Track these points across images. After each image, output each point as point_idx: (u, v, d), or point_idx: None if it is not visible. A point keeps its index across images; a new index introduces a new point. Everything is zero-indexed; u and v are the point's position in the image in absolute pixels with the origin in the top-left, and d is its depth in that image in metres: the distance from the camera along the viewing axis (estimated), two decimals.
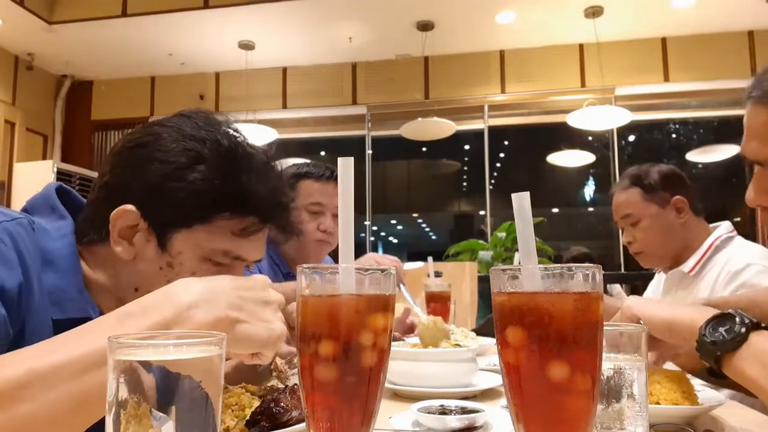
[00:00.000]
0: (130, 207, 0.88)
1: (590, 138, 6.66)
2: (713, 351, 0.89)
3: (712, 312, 0.93)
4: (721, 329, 0.89)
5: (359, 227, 7.01)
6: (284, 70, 6.85)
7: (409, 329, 2.07)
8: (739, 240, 1.92)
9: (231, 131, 0.95)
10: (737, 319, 0.88)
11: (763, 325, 0.89)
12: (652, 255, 2.03)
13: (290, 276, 1.95)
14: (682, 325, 0.97)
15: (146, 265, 0.90)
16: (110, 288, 0.93)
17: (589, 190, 8.05)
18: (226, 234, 0.90)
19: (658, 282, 2.17)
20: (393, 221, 12.55)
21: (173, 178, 0.88)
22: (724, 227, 1.96)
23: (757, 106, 1.02)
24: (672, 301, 1.95)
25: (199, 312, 0.69)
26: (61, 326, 0.84)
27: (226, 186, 0.89)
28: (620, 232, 2.13)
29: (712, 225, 2.01)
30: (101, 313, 0.91)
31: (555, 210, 8.55)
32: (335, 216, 1.99)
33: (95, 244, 0.93)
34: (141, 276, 0.91)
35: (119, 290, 0.93)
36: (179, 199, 0.88)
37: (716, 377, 0.97)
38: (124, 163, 0.93)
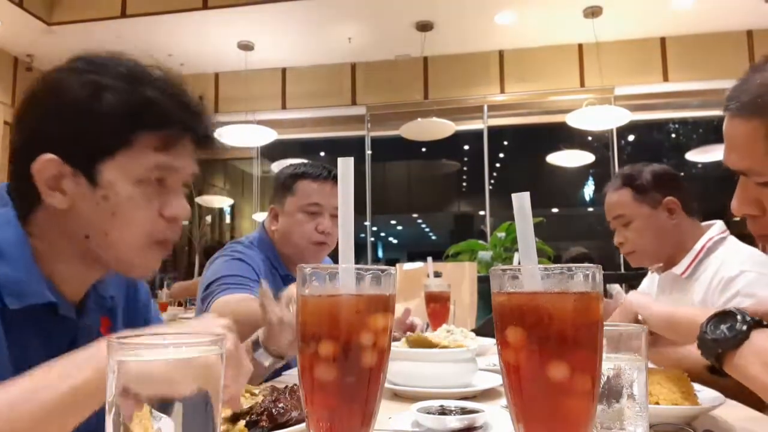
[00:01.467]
0: (49, 156, 0.87)
1: (590, 138, 6.67)
2: (714, 348, 0.89)
3: (714, 310, 0.94)
4: (723, 327, 0.89)
5: (359, 228, 7.01)
6: (283, 70, 6.86)
7: (409, 330, 2.07)
8: (732, 241, 1.90)
9: (124, 57, 0.95)
10: (739, 317, 0.89)
11: (765, 323, 0.88)
12: (643, 255, 2.01)
13: (289, 278, 1.95)
14: (682, 321, 0.97)
15: (84, 206, 0.89)
16: (63, 252, 0.92)
17: (588, 190, 8.06)
18: (149, 152, 0.90)
19: (651, 282, 2.16)
20: (393, 221, 12.56)
21: (80, 114, 0.87)
22: (716, 228, 1.94)
23: (735, 118, 1.03)
24: (673, 300, 1.94)
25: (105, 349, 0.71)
26: (21, 314, 0.84)
27: (133, 106, 0.88)
28: (614, 232, 2.11)
29: (705, 223, 1.99)
30: (61, 296, 0.91)
31: (555, 210, 8.56)
32: (333, 216, 1.99)
33: (33, 211, 0.91)
34: (85, 220, 0.90)
35: (73, 247, 0.92)
36: (92, 131, 0.88)
37: (717, 374, 0.97)
38: (28, 119, 0.92)
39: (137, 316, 1.13)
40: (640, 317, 1.04)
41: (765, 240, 1.10)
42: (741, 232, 1.14)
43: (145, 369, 0.49)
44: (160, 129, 0.91)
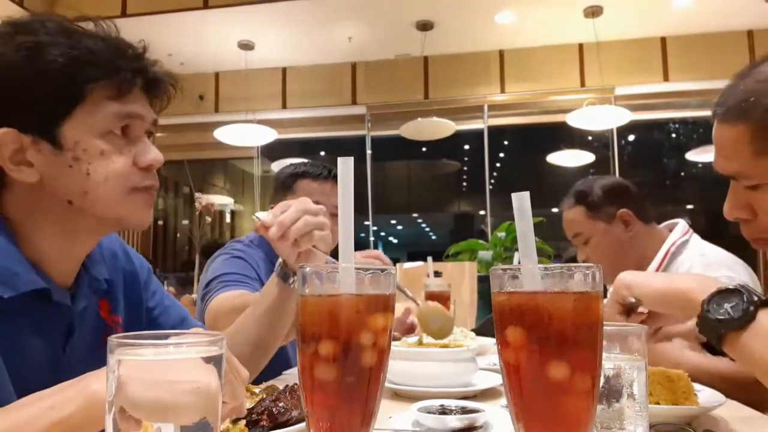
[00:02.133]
0: (2, 130, 0.84)
1: (590, 138, 6.66)
2: (717, 329, 0.85)
3: (712, 283, 0.90)
4: (727, 305, 0.85)
5: (360, 228, 7.01)
6: (284, 70, 6.85)
7: (409, 329, 2.07)
8: (695, 242, 1.88)
9: (50, 14, 0.92)
10: (745, 296, 0.85)
11: None
12: (608, 272, 1.99)
13: None
14: (676, 293, 0.94)
15: (56, 173, 0.87)
16: (44, 229, 0.89)
17: None
18: (105, 102, 0.88)
19: None
20: (393, 221, 12.55)
21: (24, 77, 0.84)
22: (679, 230, 1.91)
23: (722, 123, 1.05)
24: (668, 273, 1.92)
25: (100, 383, 0.65)
26: (13, 304, 0.82)
27: (78, 58, 0.86)
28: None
29: (666, 224, 1.97)
30: (52, 281, 0.88)
31: (555, 210, 8.55)
32: (333, 215, 1.99)
33: (2, 194, 0.89)
34: (61, 187, 0.87)
35: (55, 220, 0.89)
36: (42, 93, 0.85)
37: (712, 351, 0.95)
38: None
39: (138, 296, 1.12)
40: (632, 299, 1.02)
41: (758, 243, 1.10)
42: (738, 233, 1.13)
43: (140, 385, 0.48)
44: (110, 77, 0.88)
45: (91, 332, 0.96)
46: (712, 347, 0.91)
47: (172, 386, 0.49)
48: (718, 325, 0.86)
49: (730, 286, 0.88)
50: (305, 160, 2.03)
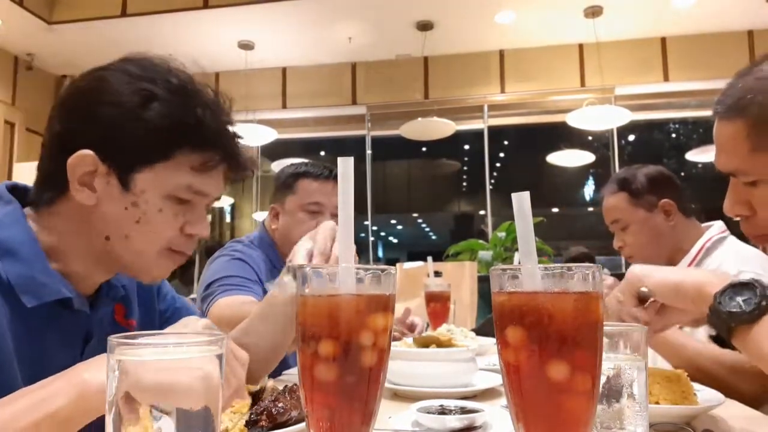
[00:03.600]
0: (87, 152, 0.87)
1: (590, 138, 6.67)
2: (727, 321, 0.85)
3: (725, 277, 0.90)
4: (739, 299, 0.85)
5: (360, 227, 7.01)
6: (284, 70, 6.86)
7: (409, 329, 2.07)
8: (731, 241, 1.89)
9: (178, 70, 0.95)
10: (758, 290, 0.85)
11: None
12: (642, 259, 2.00)
13: None
14: (689, 286, 0.93)
15: (111, 207, 0.90)
16: (78, 249, 0.92)
17: (588, 189, 8.06)
18: (187, 169, 0.91)
19: None
20: (393, 221, 12.55)
21: (129, 119, 0.88)
22: (716, 228, 1.93)
23: (722, 121, 1.06)
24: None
25: (90, 372, 0.67)
26: (35, 312, 0.83)
27: (182, 121, 0.89)
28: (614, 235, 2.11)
29: (704, 224, 1.99)
30: (74, 290, 0.90)
31: (555, 210, 8.56)
32: (334, 215, 1.99)
33: (52, 204, 0.91)
34: (108, 221, 0.90)
35: (89, 246, 0.92)
36: (137, 138, 0.88)
37: (720, 344, 0.95)
38: (72, 111, 0.93)
39: (152, 299, 1.14)
40: (644, 288, 1.02)
41: (759, 240, 1.11)
42: (739, 233, 1.14)
43: (145, 368, 0.49)
44: (203, 150, 0.91)
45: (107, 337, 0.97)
46: (721, 342, 0.91)
47: (177, 370, 0.49)
48: (728, 317, 0.85)
49: (744, 280, 0.88)
50: (306, 160, 2.03)
